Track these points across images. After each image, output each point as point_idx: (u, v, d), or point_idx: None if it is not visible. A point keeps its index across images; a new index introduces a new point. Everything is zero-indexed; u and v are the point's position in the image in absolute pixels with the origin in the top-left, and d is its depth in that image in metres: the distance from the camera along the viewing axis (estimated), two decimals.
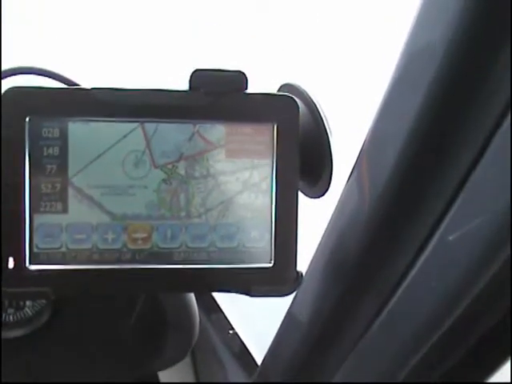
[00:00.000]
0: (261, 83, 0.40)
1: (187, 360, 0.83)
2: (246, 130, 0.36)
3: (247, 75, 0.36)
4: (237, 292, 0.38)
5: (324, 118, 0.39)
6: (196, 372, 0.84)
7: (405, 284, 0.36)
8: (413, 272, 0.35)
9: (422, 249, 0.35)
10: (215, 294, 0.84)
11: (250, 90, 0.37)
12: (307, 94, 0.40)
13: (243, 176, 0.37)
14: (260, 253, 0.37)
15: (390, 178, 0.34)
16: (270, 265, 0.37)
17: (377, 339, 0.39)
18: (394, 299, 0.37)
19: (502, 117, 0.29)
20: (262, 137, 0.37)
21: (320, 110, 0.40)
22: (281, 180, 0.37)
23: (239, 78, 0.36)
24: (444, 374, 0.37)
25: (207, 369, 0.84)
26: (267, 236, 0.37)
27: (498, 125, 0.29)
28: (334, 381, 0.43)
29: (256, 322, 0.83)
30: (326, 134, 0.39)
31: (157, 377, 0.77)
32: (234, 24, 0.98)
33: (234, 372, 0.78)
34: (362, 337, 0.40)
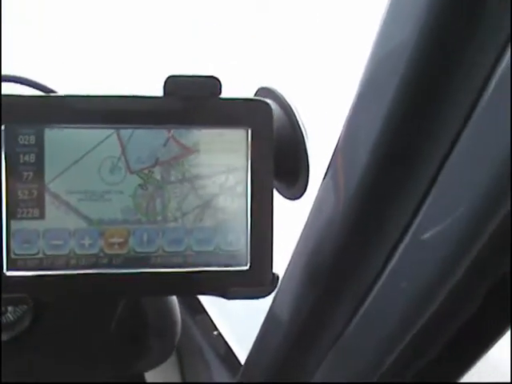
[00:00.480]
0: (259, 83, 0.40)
1: (173, 361, 0.83)
2: (221, 134, 0.37)
3: (245, 77, 0.36)
4: (214, 295, 0.38)
5: (300, 122, 0.40)
6: (182, 373, 0.84)
7: (380, 283, 0.36)
8: (387, 271, 0.36)
9: (395, 248, 0.35)
10: (199, 296, 0.84)
11: (231, 95, 0.37)
12: (283, 98, 0.41)
13: (219, 180, 0.37)
14: (236, 256, 0.38)
15: (363, 176, 0.34)
16: (247, 268, 0.38)
17: (353, 339, 0.39)
18: (370, 299, 0.37)
19: (471, 112, 0.29)
20: (237, 141, 0.37)
21: (296, 113, 0.40)
22: (256, 183, 0.37)
23: (213, 83, 0.36)
24: (418, 372, 0.37)
25: (193, 369, 0.84)
26: (243, 239, 0.37)
27: (467, 120, 0.30)
28: (313, 380, 0.44)
29: (240, 323, 0.83)
30: (302, 136, 0.39)
31: (143, 377, 0.77)
32: (233, 25, 0.98)
33: (219, 372, 0.78)
34: (340, 336, 0.40)
